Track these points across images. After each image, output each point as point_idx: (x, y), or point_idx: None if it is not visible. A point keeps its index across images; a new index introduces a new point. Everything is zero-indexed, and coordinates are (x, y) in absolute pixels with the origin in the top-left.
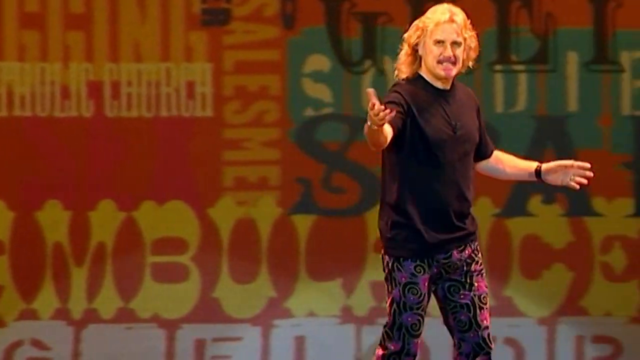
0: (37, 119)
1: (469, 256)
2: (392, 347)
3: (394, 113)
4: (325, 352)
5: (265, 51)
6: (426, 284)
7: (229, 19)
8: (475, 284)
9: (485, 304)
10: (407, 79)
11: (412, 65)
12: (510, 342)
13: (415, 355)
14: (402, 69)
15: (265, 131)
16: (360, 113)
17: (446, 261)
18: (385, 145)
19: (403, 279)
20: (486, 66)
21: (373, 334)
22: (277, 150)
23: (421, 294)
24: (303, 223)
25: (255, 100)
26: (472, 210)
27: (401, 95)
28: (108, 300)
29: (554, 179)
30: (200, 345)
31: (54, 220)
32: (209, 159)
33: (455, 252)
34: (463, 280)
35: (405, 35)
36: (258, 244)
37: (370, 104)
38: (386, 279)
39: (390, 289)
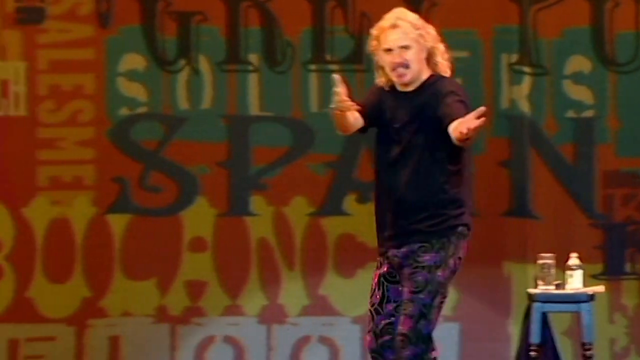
0: None
1: (405, 255)
2: None
3: (354, 107)
4: (139, 351)
5: (80, 50)
6: (376, 280)
7: (43, 18)
8: (401, 288)
9: (404, 309)
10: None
11: (386, 75)
12: (325, 340)
13: (369, 349)
14: (381, 80)
15: (80, 130)
16: (175, 112)
17: (389, 256)
18: (350, 133)
19: None
20: (301, 65)
21: (187, 333)
22: (92, 150)
23: (372, 288)
24: (118, 222)
25: (69, 99)
26: (437, 210)
27: (379, 87)
28: None
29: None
30: (13, 345)
31: None
32: (23, 159)
33: (393, 249)
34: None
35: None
36: (73, 244)
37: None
38: None
39: None
